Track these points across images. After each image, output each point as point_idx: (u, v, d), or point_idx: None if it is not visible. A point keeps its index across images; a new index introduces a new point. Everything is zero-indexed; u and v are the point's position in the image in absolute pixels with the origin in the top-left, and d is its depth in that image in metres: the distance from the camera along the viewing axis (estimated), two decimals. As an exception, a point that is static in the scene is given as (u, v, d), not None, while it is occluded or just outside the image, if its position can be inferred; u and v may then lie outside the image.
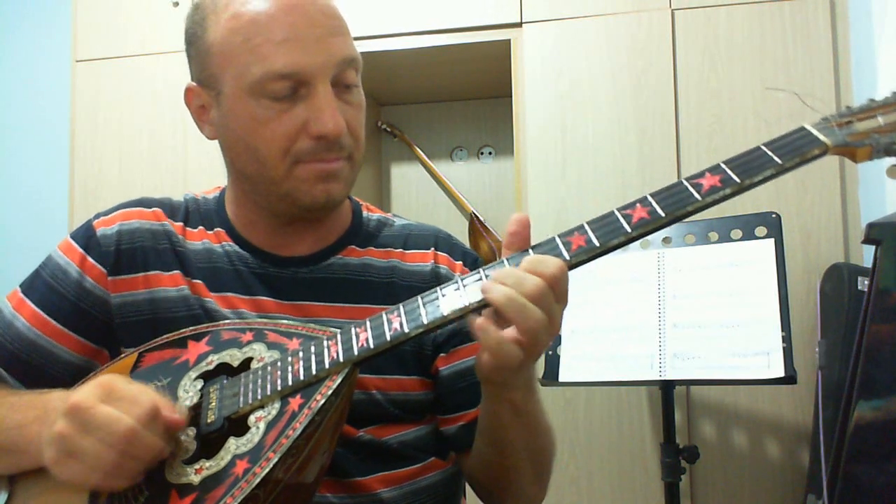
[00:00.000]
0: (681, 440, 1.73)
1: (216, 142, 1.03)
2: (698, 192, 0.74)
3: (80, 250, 1.00)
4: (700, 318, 1.64)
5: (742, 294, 1.61)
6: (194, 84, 0.99)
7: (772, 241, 1.62)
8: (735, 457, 1.90)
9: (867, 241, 1.27)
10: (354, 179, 1.00)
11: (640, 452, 1.95)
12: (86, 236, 1.02)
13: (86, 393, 0.75)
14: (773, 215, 1.64)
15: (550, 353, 1.70)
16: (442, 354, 1.03)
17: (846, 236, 1.90)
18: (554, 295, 0.73)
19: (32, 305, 0.98)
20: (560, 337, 1.75)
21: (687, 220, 1.83)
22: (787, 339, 1.52)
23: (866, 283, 1.35)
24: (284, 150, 0.92)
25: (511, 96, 2.16)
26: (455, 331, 1.02)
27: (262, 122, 0.91)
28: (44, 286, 0.99)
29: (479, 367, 0.78)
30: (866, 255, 1.86)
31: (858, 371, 1.24)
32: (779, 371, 1.50)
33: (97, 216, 1.04)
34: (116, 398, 0.75)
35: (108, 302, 0.98)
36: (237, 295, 0.99)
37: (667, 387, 1.67)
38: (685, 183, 0.75)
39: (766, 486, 1.88)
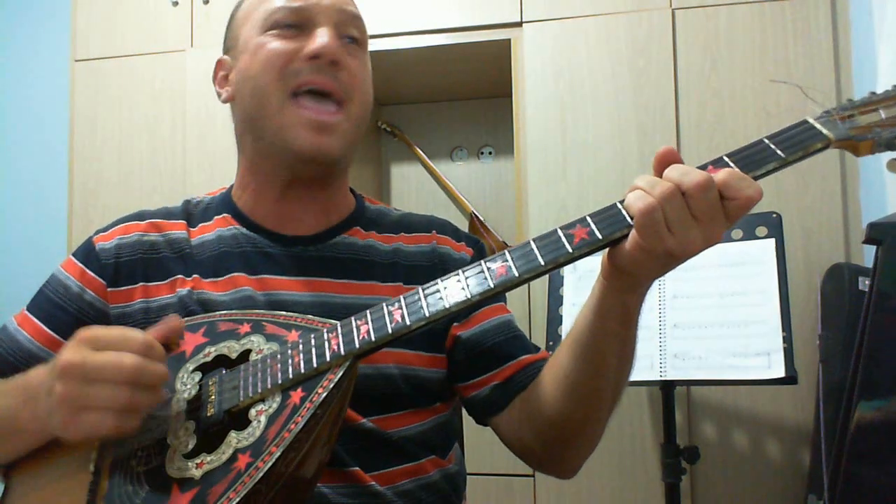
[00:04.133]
0: (681, 441, 1.73)
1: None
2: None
3: (80, 265, 1.03)
4: (700, 319, 1.64)
5: (742, 294, 1.61)
6: (223, 55, 1.10)
7: (772, 241, 1.62)
8: (736, 457, 1.90)
9: (868, 241, 1.27)
10: (353, 141, 1.03)
11: (640, 453, 1.95)
12: (85, 252, 1.04)
13: (71, 351, 0.75)
14: (774, 215, 1.64)
15: (551, 353, 1.70)
16: (456, 324, 1.04)
17: (847, 236, 1.90)
18: (688, 207, 0.70)
19: (35, 320, 1.00)
20: (561, 337, 1.75)
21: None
22: (787, 340, 1.52)
23: (867, 283, 1.35)
24: (279, 69, 0.98)
25: (511, 96, 2.16)
26: None
27: (264, 46, 1.00)
28: (46, 302, 1.01)
29: (619, 251, 0.75)
30: (867, 256, 1.85)
31: (859, 371, 1.23)
32: (779, 371, 1.50)
33: (96, 232, 1.07)
34: (105, 344, 0.75)
35: (108, 314, 1.00)
36: (242, 274, 1.01)
37: (667, 387, 1.67)
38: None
39: (767, 486, 1.87)
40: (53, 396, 0.75)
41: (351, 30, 1.03)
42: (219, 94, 1.09)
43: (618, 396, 0.93)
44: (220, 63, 1.09)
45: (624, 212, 0.74)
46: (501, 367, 1.02)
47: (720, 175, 0.71)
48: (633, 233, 0.73)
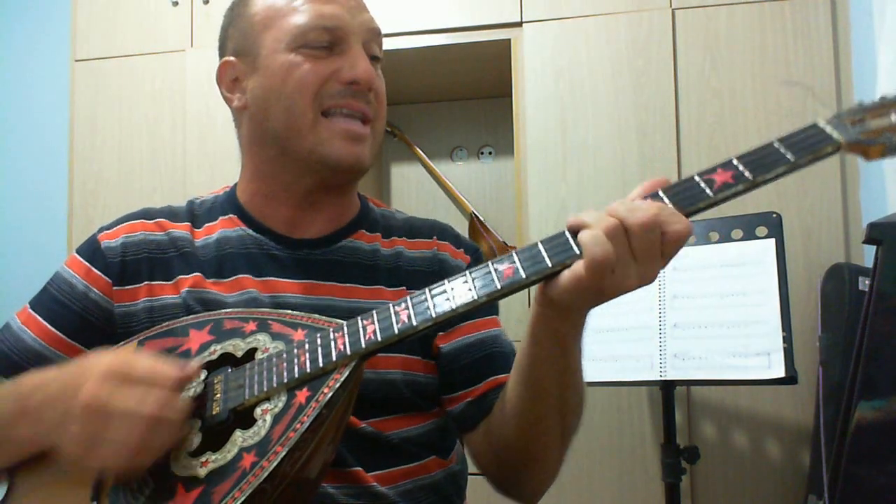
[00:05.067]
0: (681, 441, 1.73)
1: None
2: (710, 189, 0.73)
3: (86, 263, 1.02)
4: (701, 319, 1.64)
5: (743, 294, 1.61)
6: (231, 58, 1.06)
7: (772, 241, 1.62)
8: (736, 457, 1.90)
9: (868, 241, 1.27)
10: (375, 154, 1.05)
11: (640, 453, 1.95)
12: (90, 249, 1.03)
13: (97, 384, 0.75)
14: (774, 215, 1.64)
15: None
16: (441, 333, 1.04)
17: (847, 236, 1.90)
18: (630, 246, 0.70)
19: (40, 319, 0.99)
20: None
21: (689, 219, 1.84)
22: (787, 340, 1.52)
23: (867, 283, 1.35)
24: (314, 92, 0.98)
25: (511, 96, 2.16)
26: None
27: (297, 66, 0.98)
28: (51, 300, 1.00)
29: (555, 283, 0.74)
30: (867, 256, 1.86)
31: (859, 371, 1.23)
32: (779, 371, 1.50)
33: (100, 230, 1.06)
34: (134, 381, 0.75)
35: (112, 312, 1.00)
36: (248, 276, 1.01)
37: (667, 387, 1.67)
38: (697, 178, 0.74)
39: (767, 486, 1.87)
40: (72, 430, 0.74)
41: (375, 48, 1.05)
42: (227, 99, 1.07)
43: (567, 427, 0.93)
44: (228, 65, 1.06)
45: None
46: (474, 387, 1.02)
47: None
48: (577, 268, 0.71)
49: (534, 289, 0.76)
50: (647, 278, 0.72)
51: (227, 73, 1.06)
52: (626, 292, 0.72)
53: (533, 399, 0.88)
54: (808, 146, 0.73)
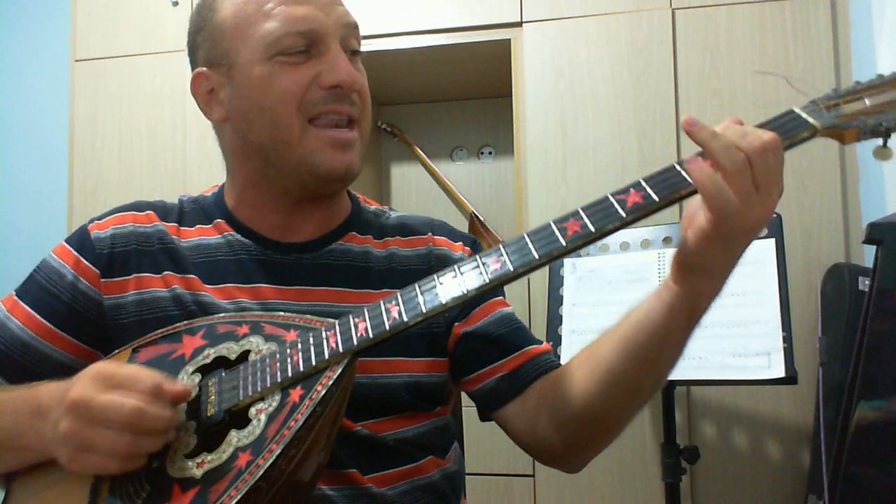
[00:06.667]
0: (681, 440, 1.73)
1: (215, 141, 1.04)
2: (691, 176, 0.73)
3: (75, 253, 1.01)
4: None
5: (743, 294, 1.61)
6: (203, 68, 1.01)
7: (772, 240, 1.62)
8: (735, 457, 1.90)
9: (868, 241, 1.27)
10: (364, 155, 1.02)
11: (640, 453, 1.95)
12: (80, 239, 1.02)
13: (83, 386, 0.77)
14: (774, 215, 1.64)
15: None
16: (457, 323, 1.03)
17: (847, 236, 1.90)
18: (751, 173, 0.71)
19: (26, 307, 0.98)
20: (560, 337, 1.75)
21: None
22: (787, 340, 1.52)
23: (867, 283, 1.35)
24: (297, 102, 0.94)
25: (511, 96, 2.16)
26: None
27: (275, 77, 0.94)
28: (38, 289, 0.99)
29: (685, 245, 0.76)
30: (867, 255, 1.85)
31: (859, 371, 1.23)
32: (779, 371, 1.50)
33: (91, 220, 1.05)
34: (115, 384, 0.76)
35: (102, 304, 0.99)
36: (236, 284, 0.99)
37: (667, 387, 1.67)
38: (678, 167, 0.75)
39: (767, 486, 1.87)
40: (59, 430, 0.76)
41: (353, 42, 1.00)
42: (205, 112, 1.03)
43: (657, 391, 0.94)
44: (202, 76, 1.01)
45: (616, 204, 0.74)
46: (507, 358, 1.01)
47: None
48: (699, 219, 0.73)
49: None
50: (767, 211, 0.72)
51: (201, 85, 1.02)
52: (751, 236, 0.73)
53: (643, 371, 0.87)
54: (784, 132, 0.74)
